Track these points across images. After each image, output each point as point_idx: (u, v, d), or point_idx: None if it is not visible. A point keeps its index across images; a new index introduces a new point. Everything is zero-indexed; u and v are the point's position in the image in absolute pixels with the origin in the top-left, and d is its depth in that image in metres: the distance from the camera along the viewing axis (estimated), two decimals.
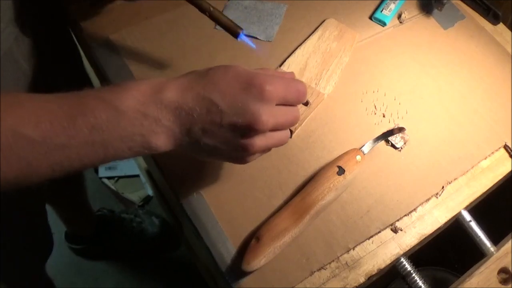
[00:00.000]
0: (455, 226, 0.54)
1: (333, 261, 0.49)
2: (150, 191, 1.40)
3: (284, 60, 0.62)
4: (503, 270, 0.49)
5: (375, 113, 0.59)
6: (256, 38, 0.64)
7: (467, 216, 0.53)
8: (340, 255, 0.49)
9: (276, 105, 0.40)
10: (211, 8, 0.51)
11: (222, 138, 0.39)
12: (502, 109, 0.61)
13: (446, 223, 0.52)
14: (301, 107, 0.57)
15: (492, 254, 0.51)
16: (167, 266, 1.30)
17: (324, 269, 0.48)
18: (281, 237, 0.46)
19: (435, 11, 0.69)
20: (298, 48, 0.63)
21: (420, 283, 0.50)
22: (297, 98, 0.42)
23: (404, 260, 0.50)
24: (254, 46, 0.53)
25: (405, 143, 0.57)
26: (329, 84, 0.60)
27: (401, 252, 0.50)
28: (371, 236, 0.50)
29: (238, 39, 0.52)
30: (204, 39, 0.63)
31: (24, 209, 0.73)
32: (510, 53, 0.67)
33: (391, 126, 0.58)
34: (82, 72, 0.86)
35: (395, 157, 0.56)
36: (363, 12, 0.69)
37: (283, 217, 0.48)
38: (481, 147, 0.57)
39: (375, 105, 0.60)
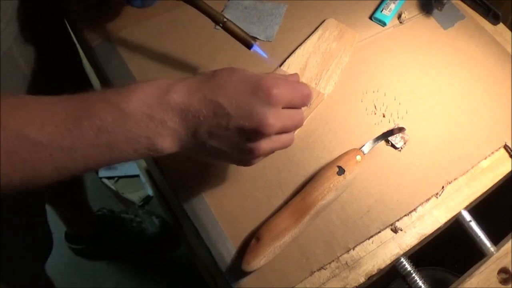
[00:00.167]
0: (455, 226, 0.54)
1: (333, 261, 0.49)
2: (150, 191, 1.40)
3: (284, 60, 0.62)
4: (503, 270, 0.49)
5: (375, 113, 0.59)
6: (256, 38, 0.64)
7: (467, 216, 0.53)
8: (340, 255, 0.49)
9: (282, 108, 0.40)
10: (225, 19, 0.52)
11: (228, 141, 0.39)
12: (502, 109, 0.61)
13: (446, 223, 0.52)
14: None
15: (492, 254, 0.51)
16: (167, 266, 1.30)
17: (324, 269, 0.48)
18: (281, 237, 0.46)
19: (435, 11, 0.69)
20: (298, 48, 0.63)
21: (420, 283, 0.50)
22: (302, 101, 0.42)
23: (404, 260, 0.50)
24: (267, 56, 0.53)
25: (405, 143, 0.57)
26: (329, 84, 0.60)
27: (401, 252, 0.50)
28: (371, 236, 0.50)
29: (251, 50, 0.52)
30: (204, 39, 0.63)
31: (24, 209, 0.73)
32: (510, 53, 0.67)
33: (391, 126, 0.58)
34: (82, 72, 0.86)
35: (395, 157, 0.56)
36: (363, 12, 0.69)
37: (283, 217, 0.48)
38: (481, 147, 0.57)
39: (375, 105, 0.60)
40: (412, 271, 0.50)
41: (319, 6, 0.68)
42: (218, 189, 0.52)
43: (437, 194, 0.54)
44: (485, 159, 0.57)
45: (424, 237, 0.51)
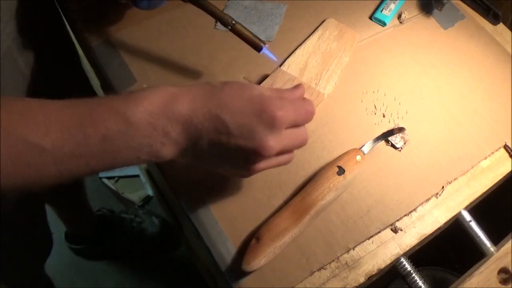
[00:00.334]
0: (455, 226, 0.54)
1: (333, 261, 0.49)
2: (150, 191, 1.40)
3: (284, 60, 0.62)
4: (503, 270, 0.49)
5: (375, 113, 0.59)
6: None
7: (467, 216, 0.53)
8: (340, 255, 0.49)
9: (286, 128, 0.40)
10: (233, 22, 0.52)
11: (226, 156, 0.40)
12: (502, 109, 0.61)
13: (446, 223, 0.52)
14: None
15: (492, 254, 0.51)
16: (167, 266, 1.30)
17: (324, 269, 0.48)
18: (281, 237, 0.46)
19: (435, 11, 0.69)
20: (298, 48, 0.63)
21: (420, 283, 0.50)
22: (306, 119, 0.43)
23: (404, 260, 0.50)
24: (275, 59, 0.54)
25: (405, 143, 0.57)
26: (329, 84, 0.60)
27: (401, 252, 0.50)
28: (371, 236, 0.50)
29: (260, 52, 0.52)
30: (204, 39, 0.63)
31: (24, 209, 0.73)
32: (510, 53, 0.67)
33: (391, 126, 0.58)
34: (81, 72, 0.86)
35: (395, 157, 0.56)
36: (363, 12, 0.69)
37: (283, 217, 0.48)
38: (481, 147, 0.57)
39: (375, 105, 0.60)
40: (412, 271, 0.50)
41: (319, 6, 0.68)
42: (218, 189, 0.52)
43: (437, 194, 0.54)
44: (485, 159, 0.57)
45: (424, 237, 0.51)
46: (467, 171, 0.56)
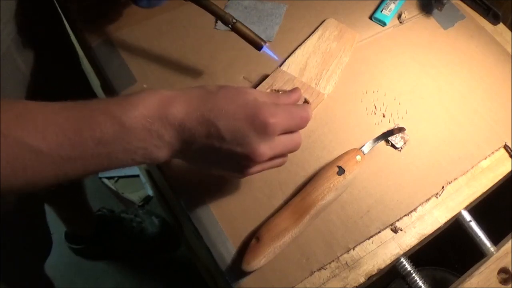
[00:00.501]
0: (455, 226, 0.54)
1: (333, 261, 0.49)
2: (150, 191, 1.40)
3: (284, 60, 0.62)
4: (503, 270, 0.49)
5: (375, 113, 0.59)
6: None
7: (467, 216, 0.53)
8: (340, 255, 0.49)
9: (279, 135, 0.41)
10: (234, 21, 0.52)
11: (219, 160, 0.41)
12: (502, 109, 0.61)
13: (446, 223, 0.52)
14: None
15: (492, 254, 0.51)
16: (167, 266, 1.30)
17: (324, 269, 0.48)
18: (281, 237, 0.46)
19: (435, 11, 0.69)
20: (298, 48, 0.63)
21: (420, 283, 0.50)
22: (299, 125, 0.43)
23: (404, 260, 0.50)
24: (277, 58, 0.54)
25: (405, 143, 0.57)
26: (329, 84, 0.60)
27: (401, 252, 0.50)
28: (371, 236, 0.50)
29: (261, 51, 0.52)
30: (204, 39, 0.63)
31: (23, 209, 0.73)
32: (510, 53, 0.67)
33: (391, 126, 0.58)
34: (81, 72, 0.86)
35: (395, 157, 0.56)
36: (363, 12, 0.69)
37: (283, 217, 0.48)
38: (481, 147, 0.57)
39: (375, 105, 0.60)
40: (412, 271, 0.50)
41: (319, 6, 0.68)
42: (218, 189, 0.52)
43: (437, 194, 0.54)
44: (485, 159, 0.57)
45: (424, 237, 0.51)
46: (467, 171, 0.56)
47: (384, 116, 0.59)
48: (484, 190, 0.55)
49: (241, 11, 0.66)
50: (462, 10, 0.71)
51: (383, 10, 0.68)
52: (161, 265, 1.30)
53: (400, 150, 0.56)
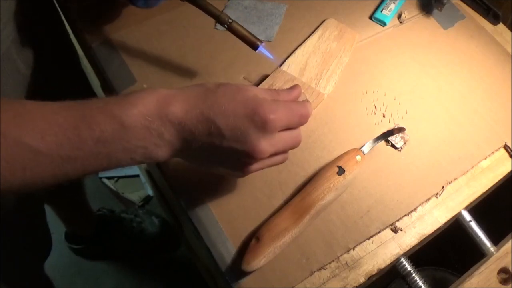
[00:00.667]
0: (455, 226, 0.54)
1: (333, 261, 0.49)
2: (150, 191, 1.40)
3: (284, 60, 0.62)
4: (503, 270, 0.49)
5: (375, 113, 0.59)
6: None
7: (467, 216, 0.53)
8: (340, 255, 0.49)
9: (279, 131, 0.41)
10: (230, 20, 0.52)
11: (219, 158, 0.41)
12: (502, 109, 0.61)
13: (446, 223, 0.52)
14: None
15: (492, 254, 0.51)
16: (167, 266, 1.30)
17: (324, 269, 0.48)
18: (281, 237, 0.46)
19: (435, 11, 0.69)
20: (298, 48, 0.63)
21: (420, 283, 0.50)
22: (299, 122, 0.43)
23: (404, 260, 0.50)
24: (272, 57, 0.54)
25: (405, 143, 0.57)
26: (329, 84, 0.60)
27: (401, 252, 0.50)
28: (371, 236, 0.50)
29: (257, 51, 0.52)
30: (204, 39, 0.63)
31: (23, 209, 0.73)
32: (510, 53, 0.67)
33: (391, 126, 0.58)
34: (81, 72, 0.86)
35: (395, 157, 0.56)
36: (363, 12, 0.69)
37: (283, 217, 0.48)
38: (481, 147, 0.57)
39: (375, 105, 0.60)
40: (412, 271, 0.50)
41: (319, 6, 0.68)
42: (218, 189, 0.52)
43: (437, 194, 0.54)
44: (485, 159, 0.57)
45: (424, 237, 0.51)
46: (467, 171, 0.56)
47: (384, 116, 0.59)
48: (484, 190, 0.55)
49: (241, 11, 0.66)
50: (462, 10, 0.71)
51: (383, 10, 0.68)
52: (161, 265, 1.30)
53: (400, 150, 0.56)
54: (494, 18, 0.69)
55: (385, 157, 0.56)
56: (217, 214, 0.50)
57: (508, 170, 0.56)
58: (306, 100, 0.45)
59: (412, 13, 0.69)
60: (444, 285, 0.73)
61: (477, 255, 0.52)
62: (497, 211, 0.63)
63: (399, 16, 0.68)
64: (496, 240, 0.52)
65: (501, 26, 0.70)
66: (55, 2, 0.70)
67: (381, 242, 0.50)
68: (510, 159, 0.57)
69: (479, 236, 0.53)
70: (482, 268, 0.49)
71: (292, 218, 0.47)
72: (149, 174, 0.92)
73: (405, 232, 0.51)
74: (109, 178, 1.40)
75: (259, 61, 0.61)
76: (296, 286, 0.47)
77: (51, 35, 0.69)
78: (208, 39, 0.63)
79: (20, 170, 0.33)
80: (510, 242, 0.50)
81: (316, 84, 0.60)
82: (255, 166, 0.42)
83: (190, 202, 0.51)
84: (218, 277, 0.56)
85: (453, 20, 0.69)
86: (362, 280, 0.48)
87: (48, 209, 0.97)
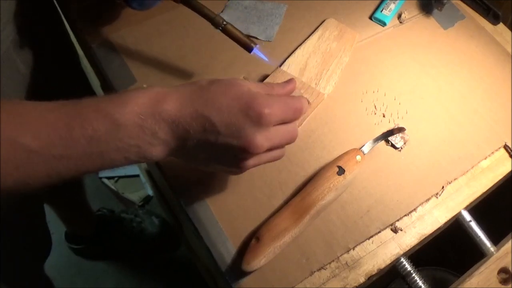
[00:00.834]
0: (455, 226, 0.54)
1: (333, 261, 0.49)
2: (150, 191, 1.40)
3: (284, 60, 0.62)
4: (503, 270, 0.49)
5: (375, 113, 0.59)
6: (256, 38, 0.64)
7: (467, 216, 0.53)
8: (340, 255, 0.49)
9: (274, 126, 0.40)
10: (224, 23, 0.52)
11: (216, 155, 0.40)
12: (502, 109, 0.61)
13: (446, 223, 0.52)
14: None
15: (492, 254, 0.51)
16: (167, 266, 1.30)
17: (324, 269, 0.48)
18: (281, 237, 0.46)
19: (435, 11, 0.69)
20: (298, 48, 0.63)
21: (420, 283, 0.50)
22: (295, 116, 0.42)
23: (404, 260, 0.50)
24: (267, 59, 0.54)
25: (405, 143, 0.57)
26: (329, 84, 0.60)
27: (401, 252, 0.50)
28: (371, 236, 0.50)
29: (251, 53, 0.52)
30: (204, 39, 0.63)
31: (23, 209, 0.73)
32: (510, 53, 0.67)
33: (391, 126, 0.58)
34: (81, 72, 0.86)
35: (395, 157, 0.56)
36: (363, 12, 0.69)
37: (283, 217, 0.48)
38: (481, 147, 0.57)
39: (375, 105, 0.60)
40: (412, 271, 0.50)
41: (319, 6, 0.68)
42: (218, 189, 0.52)
43: (437, 194, 0.54)
44: (485, 159, 0.57)
45: (424, 237, 0.51)
46: (467, 171, 0.56)
47: (384, 116, 0.59)
48: (484, 190, 0.55)
49: (241, 11, 0.66)
50: (462, 10, 0.71)
51: (383, 10, 0.68)
52: (161, 265, 1.30)
53: (400, 150, 0.56)
54: (494, 18, 0.69)
55: (385, 157, 0.56)
56: (217, 214, 0.50)
57: (508, 170, 0.56)
58: (301, 95, 0.45)
59: (412, 13, 0.69)
60: (444, 285, 0.73)
61: (477, 255, 0.52)
62: (497, 211, 0.63)
63: (399, 16, 0.68)
64: (496, 240, 0.52)
65: (501, 26, 0.70)
66: (55, 2, 0.70)
67: (381, 242, 0.50)
68: (510, 159, 0.57)
69: (479, 236, 0.53)
70: (482, 268, 0.49)
71: (292, 218, 0.47)
72: (149, 174, 0.92)
73: (405, 232, 0.51)
74: (109, 178, 1.40)
75: (259, 61, 0.61)
76: (296, 286, 0.47)
77: (51, 35, 0.69)
78: (208, 39, 0.63)
79: (13, 169, 0.33)
80: (510, 242, 0.50)
81: (316, 84, 0.60)
82: (252, 161, 0.41)
83: (190, 202, 0.51)
84: (218, 277, 0.56)
85: (453, 20, 0.70)
86: (362, 280, 0.48)
87: (48, 209, 0.97)
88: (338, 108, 0.59)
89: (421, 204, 0.53)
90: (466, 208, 0.54)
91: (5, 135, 0.33)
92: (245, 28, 0.64)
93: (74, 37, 0.77)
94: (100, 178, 1.40)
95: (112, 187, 1.39)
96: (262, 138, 0.39)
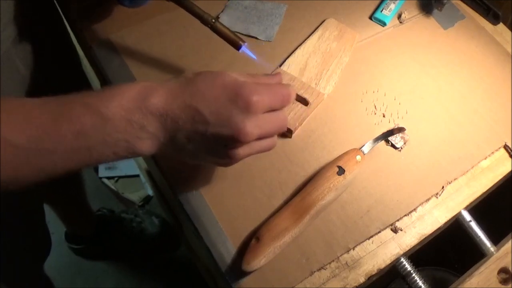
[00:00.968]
0: (455, 226, 0.54)
1: (333, 261, 0.49)
2: (150, 191, 1.40)
3: (284, 60, 0.62)
4: (503, 270, 0.49)
5: (375, 113, 0.59)
6: (256, 38, 0.64)
7: (467, 216, 0.53)
8: (340, 255, 0.49)
9: (263, 113, 0.40)
10: (213, 21, 0.52)
11: (206, 146, 0.40)
12: (502, 109, 0.61)
13: (446, 223, 0.52)
14: (301, 106, 0.57)
15: (492, 254, 0.51)
16: (167, 266, 1.30)
17: (324, 269, 0.48)
18: (281, 237, 0.46)
19: (435, 11, 0.69)
20: (298, 48, 0.63)
21: (420, 283, 0.50)
22: (282, 103, 0.42)
23: (404, 260, 0.50)
24: (255, 57, 0.53)
25: (405, 143, 0.57)
26: (329, 84, 0.60)
27: (401, 252, 0.50)
28: (371, 236, 0.50)
29: (240, 51, 0.52)
30: (204, 39, 0.63)
31: (22, 209, 0.73)
32: (510, 53, 0.67)
33: (391, 126, 0.58)
34: (81, 72, 0.86)
35: (395, 157, 0.56)
36: (363, 12, 0.69)
37: (283, 217, 0.48)
38: (481, 147, 0.57)
39: (375, 105, 0.60)
40: (412, 271, 0.50)
41: (319, 6, 0.68)
42: (218, 189, 0.52)
43: (437, 194, 0.54)
44: (485, 159, 0.57)
45: (424, 237, 0.51)
46: (467, 171, 0.56)
47: (384, 116, 0.59)
48: (484, 190, 0.55)
49: (241, 11, 0.66)
50: (462, 10, 0.71)
51: (383, 10, 0.68)
52: (161, 265, 1.30)
53: (400, 150, 0.56)
54: (494, 18, 0.70)
55: (385, 157, 0.56)
56: (217, 214, 0.50)
57: (508, 170, 0.56)
58: (288, 84, 0.44)
59: (412, 13, 0.69)
60: (444, 285, 0.73)
61: (477, 255, 0.52)
62: (497, 211, 0.63)
63: (399, 16, 0.68)
64: (496, 240, 0.52)
65: (501, 26, 0.70)
66: (55, 2, 0.70)
67: (381, 242, 0.50)
68: (510, 159, 0.57)
69: (479, 236, 0.53)
70: (482, 268, 0.49)
71: (292, 218, 0.47)
72: (149, 174, 0.92)
73: (405, 232, 0.51)
74: (109, 178, 1.40)
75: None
76: (296, 286, 0.47)
77: (51, 35, 0.69)
78: (208, 39, 0.63)
79: (1, 165, 0.33)
80: (510, 242, 0.51)
81: (316, 84, 0.60)
82: (242, 151, 0.40)
83: (190, 202, 0.51)
84: (218, 277, 0.56)
85: (453, 20, 0.70)
86: (362, 280, 0.48)
87: (48, 209, 0.97)
88: (338, 108, 0.59)
89: (421, 204, 0.53)
90: (466, 208, 0.54)
91: None
92: (245, 28, 0.64)
93: (74, 37, 0.77)
94: (100, 178, 1.40)
95: (112, 187, 1.39)
96: (251, 126, 0.38)
